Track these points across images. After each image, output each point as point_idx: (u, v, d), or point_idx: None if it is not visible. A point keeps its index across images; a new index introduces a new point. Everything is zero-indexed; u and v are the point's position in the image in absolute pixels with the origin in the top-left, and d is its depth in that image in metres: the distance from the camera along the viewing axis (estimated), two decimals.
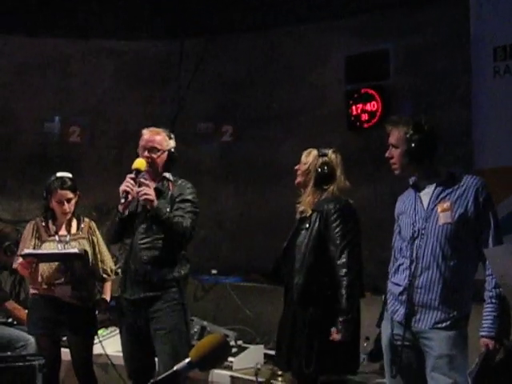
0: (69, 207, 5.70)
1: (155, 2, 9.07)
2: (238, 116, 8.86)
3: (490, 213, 3.91)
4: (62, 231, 5.79)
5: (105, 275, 5.90)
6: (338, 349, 4.53)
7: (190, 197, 5.02)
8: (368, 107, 7.78)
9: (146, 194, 4.80)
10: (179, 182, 5.11)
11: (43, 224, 5.79)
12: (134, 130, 9.03)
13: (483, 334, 3.83)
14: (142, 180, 4.87)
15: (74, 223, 5.85)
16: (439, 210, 3.95)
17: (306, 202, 4.78)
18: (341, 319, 4.49)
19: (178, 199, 4.99)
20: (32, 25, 8.83)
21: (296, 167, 4.90)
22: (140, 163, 4.92)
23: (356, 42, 8.02)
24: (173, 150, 5.08)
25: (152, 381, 2.84)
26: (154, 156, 5.00)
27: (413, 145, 4.00)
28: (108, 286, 5.99)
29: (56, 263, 5.63)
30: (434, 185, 4.02)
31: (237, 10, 8.76)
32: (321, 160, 4.76)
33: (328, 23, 8.21)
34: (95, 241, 5.86)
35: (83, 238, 5.79)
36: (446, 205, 3.94)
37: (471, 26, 6.72)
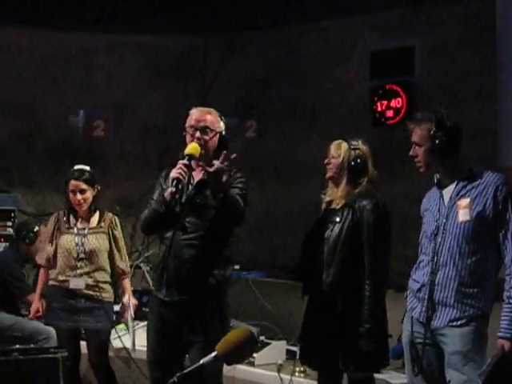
0: (82, 198, 5.70)
1: None
2: (262, 112, 8.91)
3: (510, 210, 3.87)
4: (82, 224, 5.83)
5: (125, 270, 5.95)
6: (382, 346, 4.50)
7: (240, 184, 4.43)
8: (393, 104, 7.79)
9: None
10: (233, 172, 4.45)
11: (64, 216, 5.86)
12: (158, 125, 9.25)
13: (500, 334, 3.80)
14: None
15: (96, 217, 5.87)
16: (458, 207, 3.94)
17: (337, 195, 4.65)
18: (363, 330, 4.41)
19: None
20: (56, 19, 8.89)
21: (326, 161, 4.71)
22: (194, 148, 4.29)
23: (381, 37, 8.04)
24: (224, 132, 4.49)
25: (178, 374, 2.88)
26: (207, 138, 4.39)
27: (437, 142, 3.96)
28: (126, 282, 6.01)
29: (73, 255, 5.70)
30: (456, 182, 4.02)
31: (261, 6, 8.79)
32: (353, 153, 4.63)
33: (352, 19, 8.24)
34: (116, 235, 5.88)
35: (103, 232, 5.82)
36: (466, 202, 3.92)
37: (497, 23, 6.71)
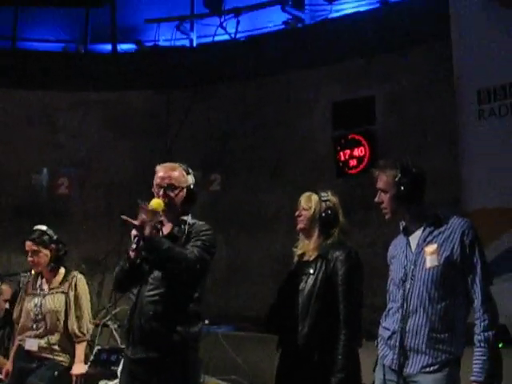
0: (33, 260, 5.66)
1: (141, 55, 9.16)
2: (226, 164, 8.91)
3: (477, 255, 3.87)
4: (45, 284, 5.76)
5: (78, 334, 5.69)
6: None
7: (203, 237, 4.34)
8: (356, 153, 7.85)
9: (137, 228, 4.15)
10: (196, 224, 4.44)
11: (34, 278, 5.83)
12: (123, 182, 9.20)
13: (472, 378, 3.77)
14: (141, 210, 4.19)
15: (60, 277, 5.78)
16: (426, 253, 3.94)
17: (310, 247, 4.63)
18: (336, 380, 4.38)
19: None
20: (18, 78, 8.88)
21: (297, 213, 4.69)
22: (156, 203, 4.27)
23: (342, 88, 8.12)
24: (192, 186, 4.48)
25: None
26: (172, 195, 4.39)
27: (402, 188, 3.98)
28: (81, 347, 5.73)
29: (31, 316, 5.62)
30: (422, 228, 4.03)
31: (223, 60, 8.87)
32: (324, 204, 4.63)
33: (313, 71, 8.32)
34: (77, 296, 5.73)
35: (62, 292, 5.71)
36: (433, 248, 3.92)
37: (454, 70, 6.81)
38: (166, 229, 4.44)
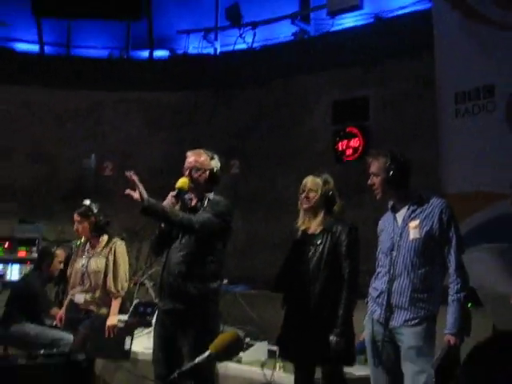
0: (78, 228, 5.79)
1: (173, 61, 9.18)
2: (244, 154, 8.94)
3: (453, 229, 3.91)
4: (91, 249, 5.87)
5: (114, 291, 5.75)
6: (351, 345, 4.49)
7: (216, 207, 4.45)
8: (352, 143, 7.85)
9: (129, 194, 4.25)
10: (216, 199, 4.55)
11: (83, 243, 5.94)
12: (156, 166, 9.24)
13: (446, 331, 3.83)
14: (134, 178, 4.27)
15: (103, 243, 5.86)
16: (410, 227, 3.98)
17: (315, 223, 4.65)
18: (337, 332, 4.39)
19: None
20: (70, 80, 8.92)
21: (304, 194, 4.67)
22: (182, 182, 4.41)
23: (341, 90, 8.12)
24: (215, 169, 4.55)
25: (178, 371, 2.85)
26: (195, 175, 4.48)
27: (391, 173, 4.02)
28: (116, 302, 5.77)
29: (79, 274, 5.74)
30: (407, 206, 4.06)
31: (242, 66, 8.89)
32: (327, 186, 4.66)
33: (318, 75, 8.32)
34: (113, 259, 5.78)
35: (103, 256, 5.79)
36: (415, 223, 3.96)
37: (436, 76, 6.80)
38: (193, 202, 4.57)
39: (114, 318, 5.77)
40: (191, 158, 4.54)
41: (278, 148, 8.71)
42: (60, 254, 6.67)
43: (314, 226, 4.67)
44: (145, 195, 4.22)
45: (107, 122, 9.46)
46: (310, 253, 4.60)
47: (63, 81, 9.09)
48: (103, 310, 5.75)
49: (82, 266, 5.76)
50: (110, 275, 5.74)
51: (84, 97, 9.31)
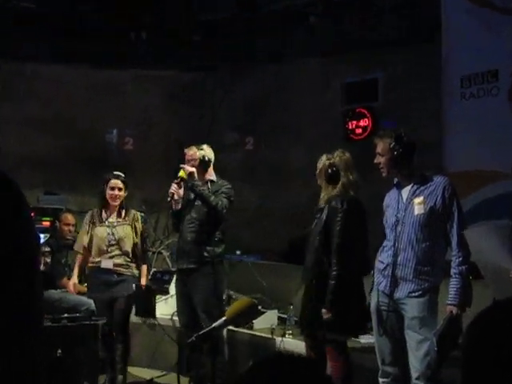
0: (119, 194, 5.81)
1: (191, 40, 9.13)
2: (258, 130, 8.94)
3: (455, 205, 3.94)
4: (112, 218, 5.90)
5: (140, 256, 5.98)
6: (345, 316, 4.43)
7: (224, 189, 5.40)
8: (361, 123, 7.83)
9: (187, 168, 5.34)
10: (220, 181, 5.50)
11: (98, 212, 5.93)
12: (176, 140, 9.24)
13: (448, 302, 3.87)
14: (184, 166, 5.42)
15: (123, 212, 5.94)
16: (414, 203, 3.99)
17: (321, 197, 4.69)
18: (325, 305, 4.37)
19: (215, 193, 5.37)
20: (95, 57, 8.91)
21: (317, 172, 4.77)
22: (181, 173, 5.37)
23: (352, 72, 8.08)
24: (202, 157, 5.46)
25: (195, 335, 2.89)
26: (190, 165, 5.43)
27: (395, 153, 4.05)
28: (143, 268, 6.03)
29: (105, 242, 5.78)
30: (412, 184, 4.07)
31: (257, 44, 8.86)
32: (327, 163, 4.67)
33: (330, 57, 8.28)
34: (137, 227, 5.93)
35: (128, 224, 5.89)
36: (420, 199, 3.99)
37: (442, 60, 6.76)
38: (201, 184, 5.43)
39: (145, 280, 6.03)
40: (187, 153, 5.49)
41: (290, 124, 8.65)
42: (65, 217, 6.70)
43: (321, 200, 4.72)
44: (195, 175, 5.32)
45: (129, 98, 9.44)
46: (313, 225, 4.68)
47: (95, 59, 9.05)
48: (135, 272, 5.89)
49: (108, 234, 5.81)
50: (138, 241, 5.91)
51: (108, 75, 9.29)
